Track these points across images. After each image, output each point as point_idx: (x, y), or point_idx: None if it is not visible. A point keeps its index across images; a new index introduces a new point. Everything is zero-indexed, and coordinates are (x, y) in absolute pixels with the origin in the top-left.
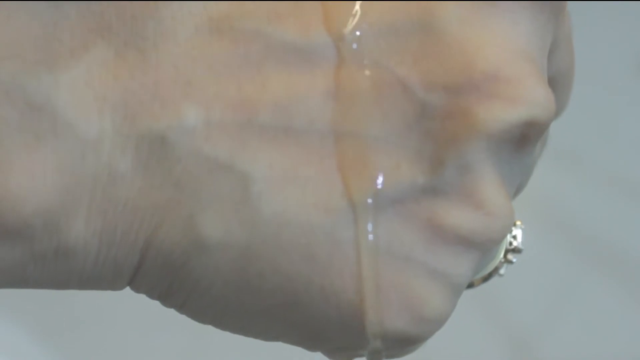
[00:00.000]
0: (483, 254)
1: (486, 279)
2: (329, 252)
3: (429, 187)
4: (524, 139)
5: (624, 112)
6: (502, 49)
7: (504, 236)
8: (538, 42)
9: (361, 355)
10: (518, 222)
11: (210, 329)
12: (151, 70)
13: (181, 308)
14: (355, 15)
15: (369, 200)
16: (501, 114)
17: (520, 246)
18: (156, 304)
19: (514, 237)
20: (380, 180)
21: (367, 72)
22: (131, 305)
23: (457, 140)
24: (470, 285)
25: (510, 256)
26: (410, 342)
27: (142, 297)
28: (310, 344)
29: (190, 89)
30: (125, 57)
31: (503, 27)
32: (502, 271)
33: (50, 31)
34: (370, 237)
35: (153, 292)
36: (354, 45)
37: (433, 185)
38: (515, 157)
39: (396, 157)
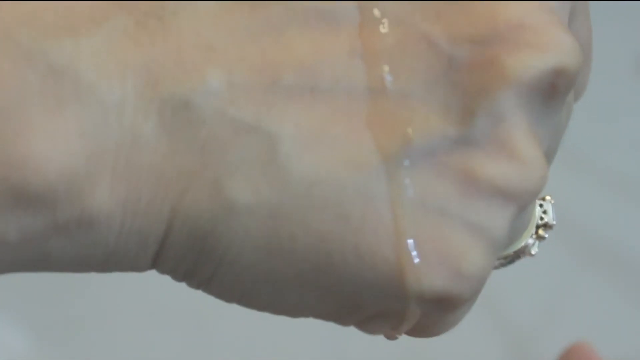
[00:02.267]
0: (519, 209)
1: (517, 256)
2: (362, 210)
3: (461, 138)
4: (553, 90)
5: (624, 112)
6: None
7: (539, 189)
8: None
9: (398, 324)
10: (548, 197)
11: (209, 330)
12: (172, 37)
13: (209, 284)
14: None
15: (400, 155)
16: (529, 61)
17: (552, 221)
18: (156, 304)
19: (545, 212)
20: (410, 134)
21: (391, 31)
22: (131, 306)
23: (487, 89)
24: (503, 263)
25: (541, 232)
26: (449, 302)
27: (143, 298)
28: (344, 313)
29: (212, 54)
30: (146, 25)
31: None
32: (533, 250)
33: (70, 3)
34: (404, 191)
35: (179, 268)
36: (377, 7)
37: (465, 136)
38: (545, 111)
39: (425, 110)
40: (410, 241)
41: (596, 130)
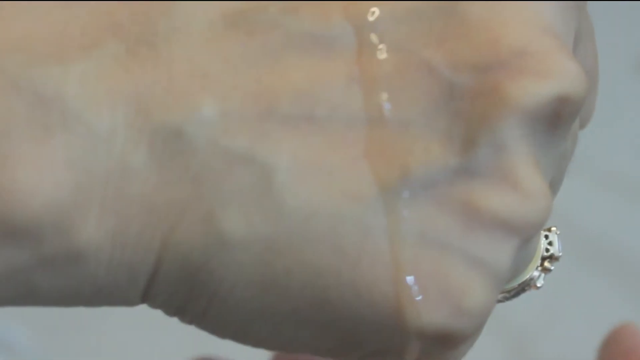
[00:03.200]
0: (522, 241)
1: (522, 289)
2: (360, 243)
3: (462, 168)
4: (557, 118)
5: (624, 113)
6: (527, 25)
7: (544, 221)
8: (563, 24)
9: None
10: (553, 228)
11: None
12: (164, 65)
13: (202, 320)
14: (374, 2)
15: (400, 186)
16: (532, 88)
17: (558, 253)
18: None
19: (550, 244)
20: (410, 164)
21: (390, 57)
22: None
23: (489, 118)
24: (507, 297)
25: (547, 264)
26: (450, 339)
27: None
28: (342, 350)
29: (206, 82)
30: (137, 53)
31: (527, 6)
32: (539, 283)
33: (60, 29)
34: (403, 224)
35: (171, 303)
36: (375, 32)
37: (466, 166)
38: (549, 140)
39: (426, 140)
40: (409, 276)
41: (596, 130)
